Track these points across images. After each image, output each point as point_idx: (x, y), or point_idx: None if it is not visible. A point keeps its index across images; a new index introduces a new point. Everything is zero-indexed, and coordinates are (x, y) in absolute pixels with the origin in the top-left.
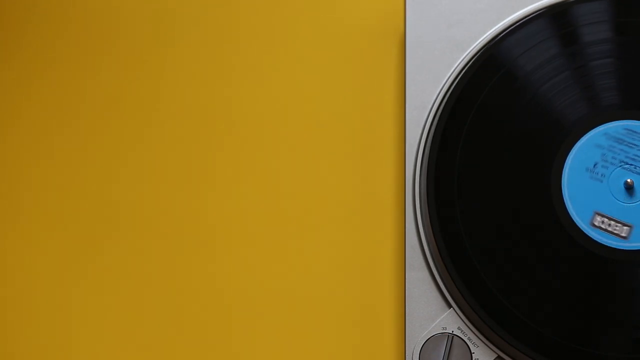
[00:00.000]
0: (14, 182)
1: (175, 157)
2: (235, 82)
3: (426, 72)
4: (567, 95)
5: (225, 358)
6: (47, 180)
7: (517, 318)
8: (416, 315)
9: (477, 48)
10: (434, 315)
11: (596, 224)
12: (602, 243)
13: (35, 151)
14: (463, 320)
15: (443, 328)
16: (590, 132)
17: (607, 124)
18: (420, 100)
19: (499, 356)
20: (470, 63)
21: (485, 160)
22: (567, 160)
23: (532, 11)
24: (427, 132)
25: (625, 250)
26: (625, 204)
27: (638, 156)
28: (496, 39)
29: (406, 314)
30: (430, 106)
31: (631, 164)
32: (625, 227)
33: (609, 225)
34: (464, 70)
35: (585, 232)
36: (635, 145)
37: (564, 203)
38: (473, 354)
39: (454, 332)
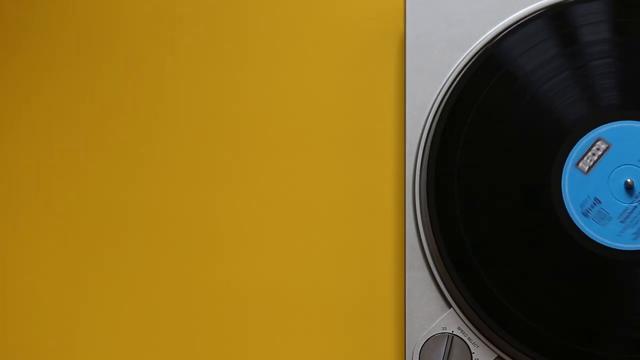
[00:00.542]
0: (25, 183)
1: (175, 157)
2: (235, 82)
3: (426, 72)
4: (567, 95)
5: (226, 357)
6: (52, 181)
7: (517, 318)
8: (416, 315)
9: (477, 48)
10: (434, 315)
11: (581, 165)
12: (602, 243)
13: (40, 153)
14: (463, 320)
15: (443, 328)
16: (590, 132)
17: (607, 124)
18: (420, 100)
19: (499, 356)
20: (470, 63)
21: (485, 160)
22: (567, 160)
23: (532, 11)
24: (427, 132)
25: (625, 250)
26: (625, 204)
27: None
28: (496, 39)
29: (406, 314)
30: (430, 106)
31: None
32: (592, 167)
33: (593, 154)
34: (464, 70)
35: (585, 232)
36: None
37: (564, 203)
38: (473, 354)
39: (454, 332)
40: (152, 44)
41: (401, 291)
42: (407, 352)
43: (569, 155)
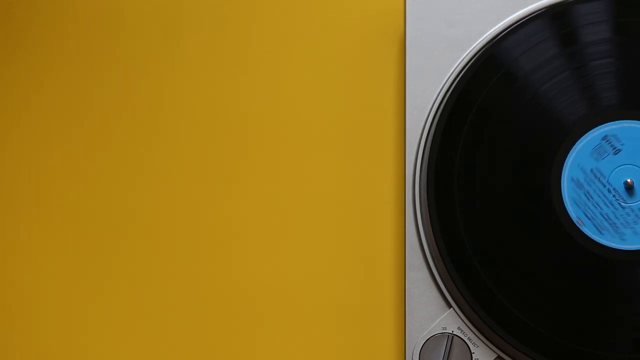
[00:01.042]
0: (30, 183)
1: (175, 157)
2: (235, 82)
3: (426, 72)
4: (567, 95)
5: (226, 357)
6: (56, 182)
7: (517, 318)
8: (416, 315)
9: (477, 48)
10: (434, 315)
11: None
12: (602, 243)
13: (45, 153)
14: (463, 320)
15: (443, 328)
16: (589, 132)
17: (607, 124)
18: (420, 101)
19: (499, 356)
20: (470, 63)
21: (485, 160)
22: (567, 160)
23: (532, 11)
24: (427, 132)
25: (625, 250)
26: (625, 204)
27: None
28: (496, 39)
29: (406, 314)
30: (430, 106)
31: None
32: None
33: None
34: (464, 70)
35: (585, 232)
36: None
37: (564, 203)
38: (473, 354)
39: (454, 332)
40: (154, 44)
41: (401, 291)
42: (407, 352)
43: (569, 155)
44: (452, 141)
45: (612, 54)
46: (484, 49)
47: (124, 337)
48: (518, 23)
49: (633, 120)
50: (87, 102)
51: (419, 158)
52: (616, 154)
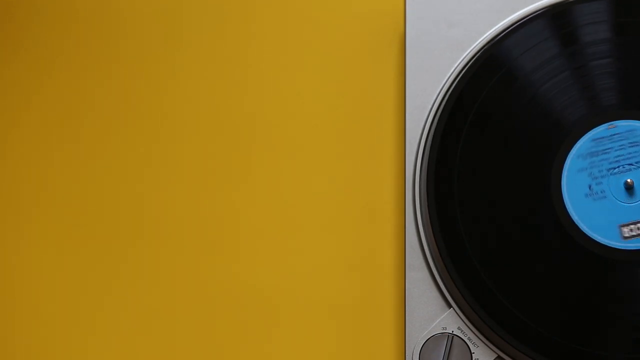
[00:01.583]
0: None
1: (174, 157)
2: (234, 83)
3: (426, 72)
4: (567, 95)
5: (227, 356)
6: (58, 182)
7: (517, 318)
8: (416, 315)
9: (477, 48)
10: (434, 315)
11: (627, 235)
12: (602, 243)
13: (44, 153)
14: (463, 320)
15: (443, 328)
16: (589, 132)
17: (607, 124)
18: (420, 100)
19: (499, 356)
20: (470, 63)
21: (485, 161)
22: (567, 160)
23: (532, 11)
24: (427, 132)
25: (625, 250)
26: (626, 204)
27: (619, 156)
28: (496, 39)
29: (406, 314)
30: (430, 106)
31: (618, 166)
32: None
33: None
34: (464, 70)
35: (585, 232)
36: (609, 149)
37: (564, 203)
38: (473, 354)
39: (454, 332)
40: (156, 44)
41: (401, 291)
42: (407, 352)
43: (569, 155)
44: (452, 141)
45: (612, 54)
46: (484, 49)
47: (129, 336)
48: (518, 23)
49: (633, 120)
50: (89, 102)
51: (419, 158)
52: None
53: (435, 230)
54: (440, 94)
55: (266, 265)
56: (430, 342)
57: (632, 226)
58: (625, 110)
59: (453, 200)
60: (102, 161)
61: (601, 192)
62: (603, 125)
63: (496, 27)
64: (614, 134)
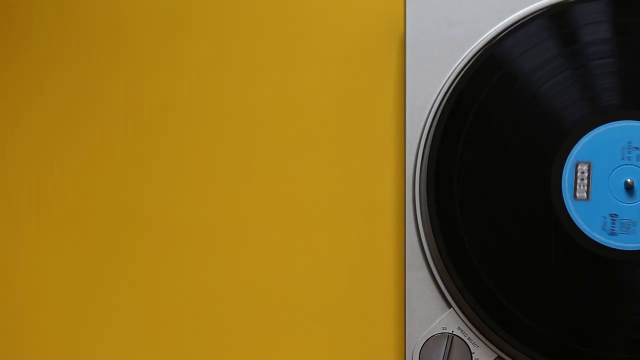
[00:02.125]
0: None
1: (177, 157)
2: (234, 83)
3: (426, 72)
4: (567, 95)
5: (226, 356)
6: (58, 182)
7: (517, 318)
8: (416, 315)
9: (477, 48)
10: (434, 315)
11: (578, 167)
12: (602, 243)
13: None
14: (463, 320)
15: (443, 328)
16: (590, 132)
17: (607, 124)
18: (420, 100)
19: (499, 356)
20: (470, 63)
21: (485, 160)
22: (567, 160)
23: (532, 11)
24: (427, 132)
25: (625, 250)
26: (626, 204)
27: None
28: (496, 39)
29: (406, 314)
30: (430, 106)
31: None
32: (584, 194)
33: (582, 179)
34: (464, 70)
35: (585, 232)
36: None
37: (564, 203)
38: (473, 354)
39: (454, 332)
40: (158, 44)
41: (401, 291)
42: (407, 352)
43: (569, 155)
44: (452, 141)
45: (612, 54)
46: (484, 49)
47: (131, 336)
48: (518, 23)
49: (633, 120)
50: (90, 102)
51: (419, 158)
52: None
53: (435, 230)
54: (440, 94)
55: (266, 265)
56: (430, 342)
57: (581, 188)
58: (625, 110)
59: (453, 200)
60: (104, 162)
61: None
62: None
63: (496, 27)
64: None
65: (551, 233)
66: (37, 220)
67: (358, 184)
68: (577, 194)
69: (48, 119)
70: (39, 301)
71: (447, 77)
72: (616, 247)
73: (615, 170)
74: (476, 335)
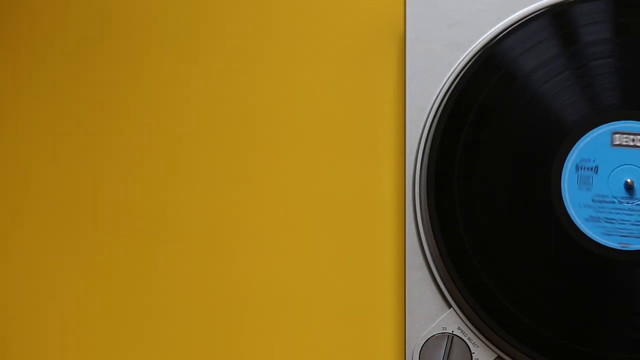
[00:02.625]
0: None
1: (176, 157)
2: (234, 83)
3: (426, 72)
4: (567, 95)
5: (226, 356)
6: (57, 182)
7: (517, 318)
8: (416, 315)
9: (477, 48)
10: (434, 315)
11: (617, 142)
12: (602, 243)
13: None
14: (463, 320)
15: (443, 328)
16: (590, 132)
17: (607, 124)
18: (420, 101)
19: (499, 356)
20: (470, 63)
21: (485, 160)
22: (567, 160)
23: (532, 11)
24: (427, 132)
25: (625, 250)
26: (625, 204)
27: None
28: (496, 39)
29: (406, 314)
30: (430, 106)
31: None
32: None
33: (633, 140)
34: (464, 70)
35: (585, 232)
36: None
37: (564, 203)
38: (473, 354)
39: (454, 332)
40: (158, 44)
41: (401, 291)
42: (407, 352)
43: (569, 155)
44: (452, 141)
45: (612, 54)
46: (484, 49)
47: (129, 337)
48: (518, 23)
49: (633, 120)
50: (90, 102)
51: (419, 158)
52: None
53: (435, 230)
54: (440, 94)
55: (266, 265)
56: (430, 342)
57: (625, 135)
58: (625, 110)
59: (453, 200)
60: (103, 161)
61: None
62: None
63: (496, 27)
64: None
65: (551, 233)
66: (36, 220)
67: (358, 184)
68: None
69: (48, 119)
70: (38, 301)
71: (447, 77)
72: (616, 247)
73: (615, 170)
74: (476, 335)
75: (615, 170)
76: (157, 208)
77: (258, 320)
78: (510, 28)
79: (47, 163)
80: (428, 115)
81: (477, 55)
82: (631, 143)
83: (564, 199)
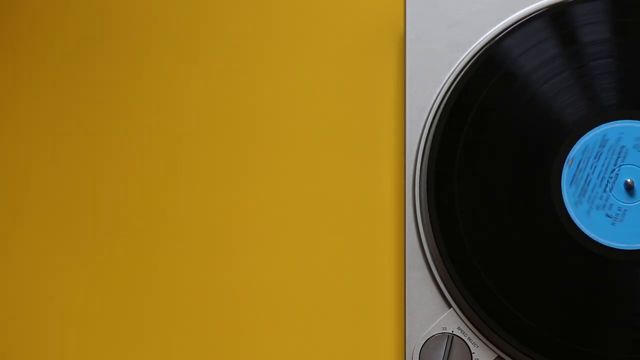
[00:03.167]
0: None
1: (175, 157)
2: (233, 83)
3: (426, 72)
4: (567, 95)
5: (225, 357)
6: (55, 182)
7: (517, 318)
8: (416, 315)
9: (477, 48)
10: (434, 315)
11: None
12: (602, 243)
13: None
14: (463, 320)
15: (443, 328)
16: (590, 132)
17: (607, 124)
18: (420, 101)
19: (499, 356)
20: (470, 63)
21: (485, 160)
22: (567, 160)
23: (532, 11)
24: (427, 132)
25: (625, 250)
26: (625, 204)
27: (600, 173)
28: (496, 39)
29: (406, 314)
30: (430, 106)
31: (607, 181)
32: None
33: None
34: (464, 70)
35: (585, 232)
36: (588, 176)
37: (563, 203)
38: (473, 354)
39: (454, 332)
40: (156, 44)
41: (401, 291)
42: (407, 352)
43: (569, 155)
44: (452, 141)
45: (612, 54)
46: (484, 49)
47: (128, 337)
48: (518, 23)
49: (633, 120)
50: (90, 102)
51: (419, 158)
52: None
53: (435, 230)
54: (440, 94)
55: (266, 265)
56: (430, 342)
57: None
58: (625, 110)
59: (453, 200)
60: (102, 161)
61: (617, 210)
62: (565, 164)
63: (496, 27)
64: (578, 164)
65: (551, 233)
66: (36, 219)
67: (358, 183)
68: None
69: (48, 119)
70: (37, 301)
71: (447, 77)
72: (616, 247)
73: (615, 170)
74: (476, 335)
75: (616, 170)
76: (157, 208)
77: (258, 320)
78: (510, 28)
79: (46, 163)
80: (428, 115)
81: (477, 55)
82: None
83: (564, 199)
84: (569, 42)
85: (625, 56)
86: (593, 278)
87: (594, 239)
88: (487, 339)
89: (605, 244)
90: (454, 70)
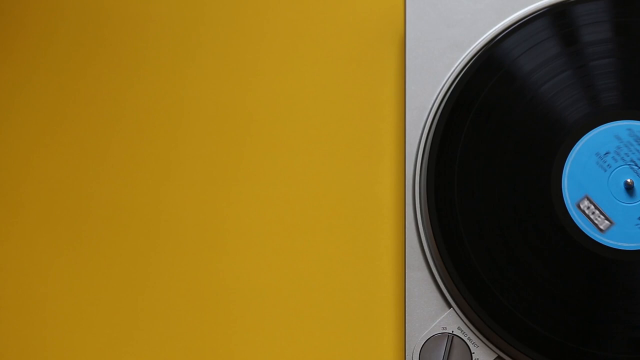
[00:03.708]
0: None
1: (175, 157)
2: (233, 83)
3: (426, 72)
4: (567, 95)
5: (224, 357)
6: (54, 183)
7: (517, 318)
8: (416, 315)
9: (477, 48)
10: (434, 315)
11: (582, 207)
12: (602, 243)
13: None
14: (463, 320)
15: (443, 328)
16: (590, 132)
17: (607, 124)
18: (420, 101)
19: (499, 356)
20: (470, 63)
21: (485, 161)
22: (567, 161)
23: (532, 11)
24: (427, 132)
25: (625, 250)
26: (624, 204)
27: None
28: (496, 39)
29: (406, 314)
30: (430, 107)
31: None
32: (606, 222)
33: (593, 213)
34: (464, 71)
35: (585, 232)
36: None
37: (564, 203)
38: (473, 354)
39: (454, 332)
40: (154, 44)
41: (401, 291)
42: (407, 352)
43: (569, 155)
44: (452, 141)
45: (613, 53)
46: (484, 49)
47: (126, 337)
48: (518, 23)
49: (633, 120)
50: (89, 102)
51: (419, 158)
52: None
53: (435, 230)
54: (440, 94)
55: (265, 265)
56: (430, 342)
57: (592, 206)
58: (625, 110)
59: (453, 200)
60: (101, 161)
61: (607, 165)
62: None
63: (496, 27)
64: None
65: (551, 233)
66: (34, 219)
67: (358, 184)
68: (602, 227)
69: (46, 119)
70: (36, 300)
71: (447, 77)
72: (616, 247)
73: (615, 171)
74: (476, 335)
75: (615, 170)
76: (155, 207)
77: (257, 320)
78: (510, 28)
79: (44, 163)
80: (428, 115)
81: (477, 55)
82: (590, 215)
83: (564, 199)
84: (569, 42)
85: (625, 56)
86: (593, 278)
87: (594, 238)
88: (487, 339)
89: (605, 244)
90: (454, 71)
